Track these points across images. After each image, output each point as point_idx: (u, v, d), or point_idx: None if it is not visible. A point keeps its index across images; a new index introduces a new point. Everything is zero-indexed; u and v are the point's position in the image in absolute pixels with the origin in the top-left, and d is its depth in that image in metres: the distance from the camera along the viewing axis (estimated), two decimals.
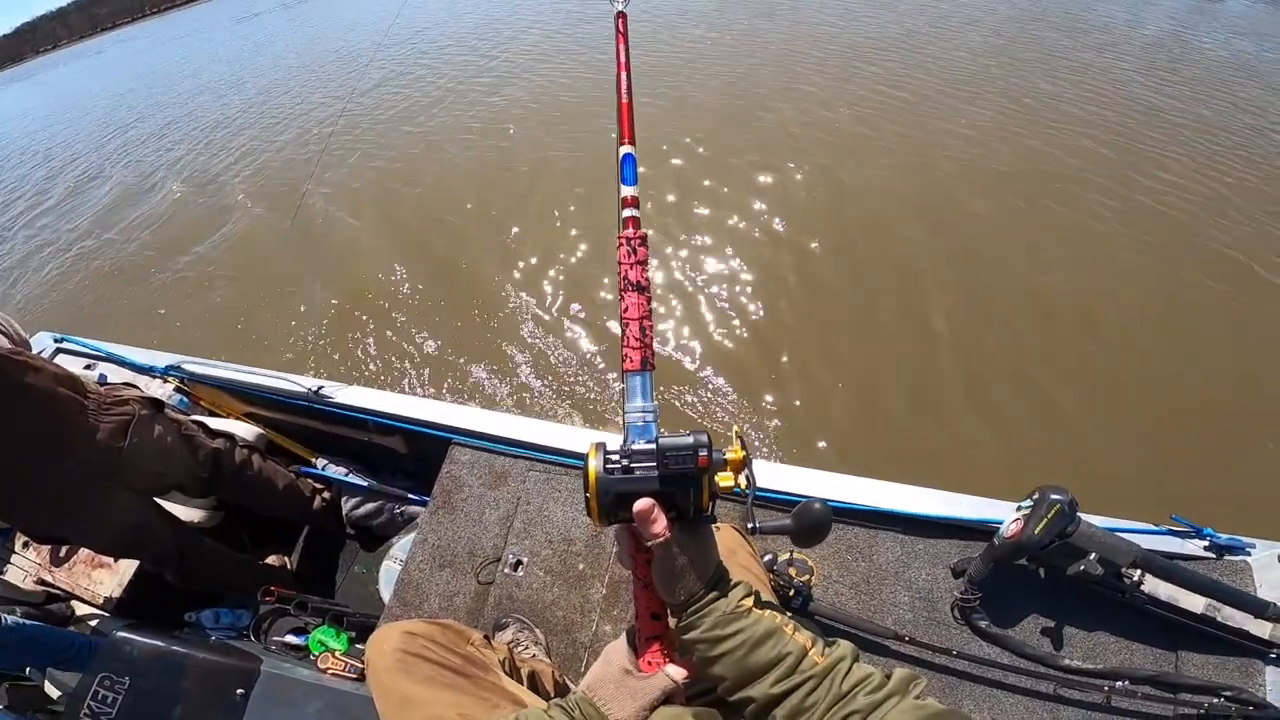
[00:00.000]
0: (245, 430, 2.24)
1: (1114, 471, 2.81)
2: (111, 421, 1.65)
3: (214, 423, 2.15)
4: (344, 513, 2.29)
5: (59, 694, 1.79)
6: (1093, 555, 1.32)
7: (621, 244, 0.81)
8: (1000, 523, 1.44)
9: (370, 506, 2.27)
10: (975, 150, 5.04)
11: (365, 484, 2.26)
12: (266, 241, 5.75)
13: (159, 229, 6.68)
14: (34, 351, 2.30)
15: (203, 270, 5.54)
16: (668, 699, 0.79)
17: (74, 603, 2.21)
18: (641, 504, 0.69)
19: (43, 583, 2.25)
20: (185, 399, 2.31)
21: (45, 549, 2.28)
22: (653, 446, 0.69)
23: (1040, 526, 1.32)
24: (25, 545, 2.33)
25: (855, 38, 7.51)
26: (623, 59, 0.99)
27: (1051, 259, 3.97)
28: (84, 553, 2.27)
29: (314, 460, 2.33)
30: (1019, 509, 1.40)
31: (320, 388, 2.13)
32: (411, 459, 2.25)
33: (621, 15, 1.10)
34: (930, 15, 8.30)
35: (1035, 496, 1.37)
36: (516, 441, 1.95)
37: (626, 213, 0.83)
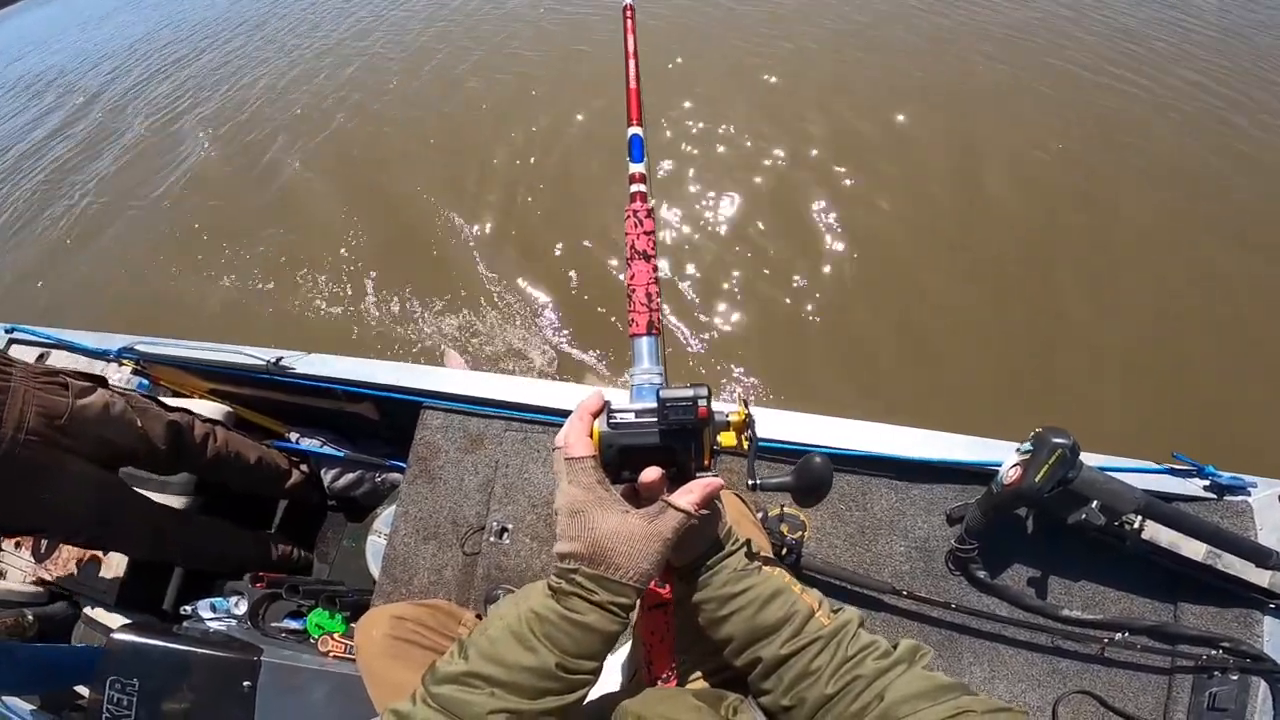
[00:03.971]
0: (210, 409, 2.16)
1: (1112, 405, 2.76)
2: (45, 392, 1.60)
3: (179, 403, 2.07)
4: (326, 484, 2.24)
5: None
6: (1094, 503, 1.26)
7: (629, 216, 0.85)
8: (998, 465, 1.38)
9: (350, 477, 2.22)
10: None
11: (341, 454, 2.21)
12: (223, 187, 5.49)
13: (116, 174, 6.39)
14: None
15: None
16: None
17: (78, 599, 2.21)
18: (649, 474, 0.67)
19: (41, 581, 2.23)
20: (145, 381, 2.22)
21: (25, 548, 2.25)
22: (654, 405, 0.68)
23: (1041, 474, 1.25)
24: (17, 545, 2.30)
25: None
26: (630, 48, 1.05)
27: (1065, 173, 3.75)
28: (67, 550, 2.23)
29: (287, 434, 2.26)
30: (1018, 451, 1.33)
31: (280, 358, 2.02)
32: (385, 425, 2.17)
33: (630, 7, 1.15)
34: None
35: (1035, 439, 1.29)
36: (490, 401, 1.86)
37: (634, 188, 0.87)
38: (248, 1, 10.71)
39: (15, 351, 2.30)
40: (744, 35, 5.43)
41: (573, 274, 3.65)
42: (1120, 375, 2.86)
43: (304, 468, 2.25)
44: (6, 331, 2.38)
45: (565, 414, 1.59)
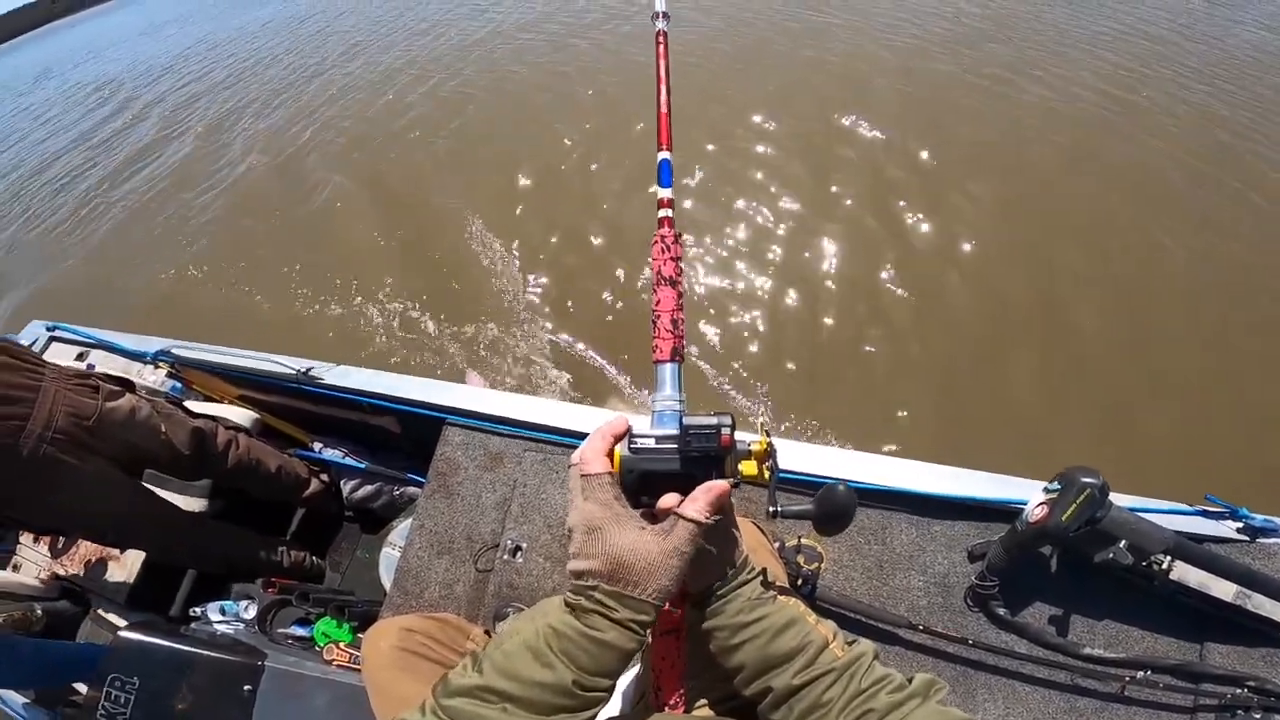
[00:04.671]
0: (238, 414, 2.20)
1: (1145, 446, 2.69)
2: (75, 394, 1.64)
3: (207, 407, 2.13)
4: (344, 495, 2.26)
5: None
6: (1122, 543, 1.23)
7: (656, 241, 0.84)
8: (1023, 504, 1.35)
9: (369, 489, 2.24)
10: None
11: (362, 465, 2.23)
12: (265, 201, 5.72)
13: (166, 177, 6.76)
14: (26, 343, 2.29)
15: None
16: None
17: (89, 596, 2.22)
18: (667, 499, 0.67)
19: (55, 577, 2.25)
20: (179, 385, 2.27)
21: (44, 543, 2.29)
22: (676, 431, 0.69)
23: (1068, 513, 1.22)
24: (35, 540, 2.33)
25: None
26: (662, 73, 1.03)
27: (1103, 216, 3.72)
28: (91, 546, 2.26)
29: (310, 443, 2.29)
30: (1045, 490, 1.30)
31: (310, 369, 2.07)
32: (407, 439, 2.19)
33: (662, 33, 1.11)
34: None
35: (1063, 478, 1.26)
36: (512, 420, 1.87)
37: (661, 213, 0.87)
38: (311, 22, 11.26)
39: (55, 349, 2.37)
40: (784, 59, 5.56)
41: (602, 297, 3.70)
42: (1153, 416, 2.80)
43: (324, 477, 2.28)
44: (49, 330, 2.46)
45: (585, 437, 1.59)
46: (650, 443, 0.69)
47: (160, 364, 2.27)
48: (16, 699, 1.91)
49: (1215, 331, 3.11)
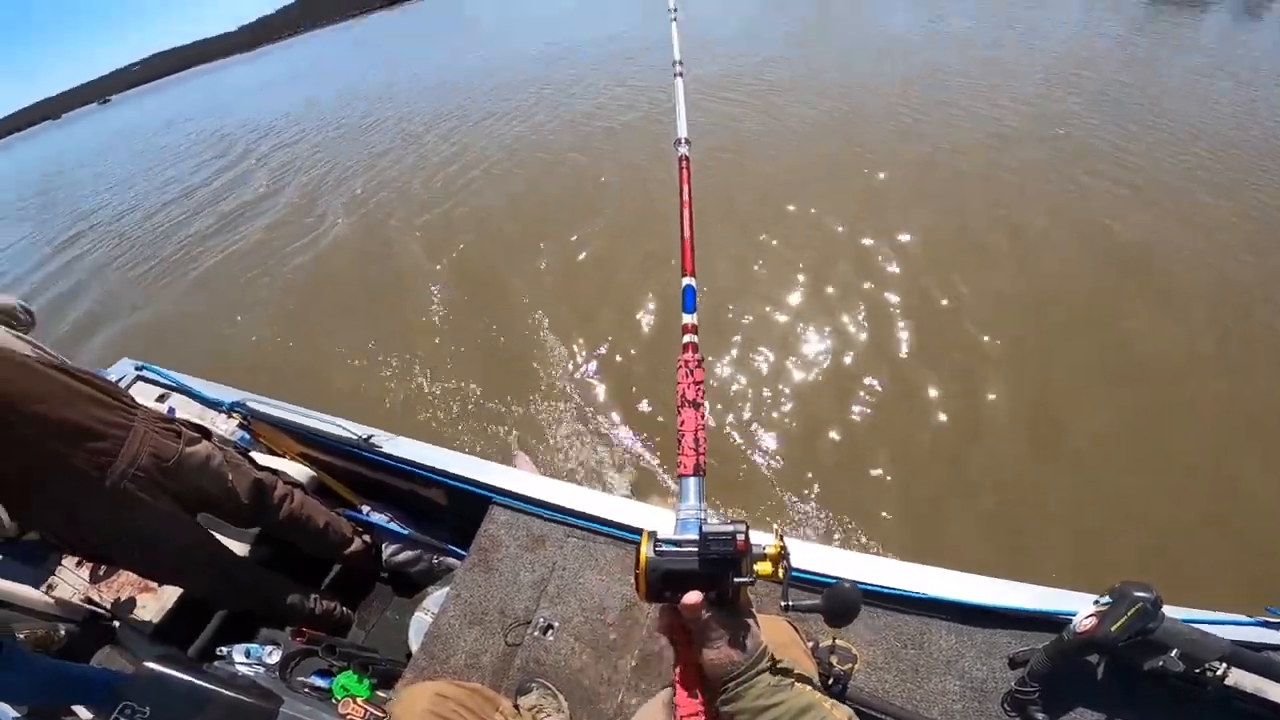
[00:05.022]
0: (297, 470, 2.31)
1: (1200, 557, 2.55)
2: (160, 436, 1.76)
3: (270, 460, 2.25)
4: (384, 557, 2.30)
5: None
6: (1174, 651, 1.18)
7: (680, 366, 0.90)
8: (1070, 615, 1.31)
9: (409, 554, 2.28)
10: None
11: (406, 532, 2.28)
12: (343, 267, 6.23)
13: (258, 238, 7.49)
14: (114, 379, 2.47)
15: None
16: None
17: (116, 623, 2.25)
18: (690, 597, 0.73)
19: (90, 601, 2.31)
20: (247, 435, 2.41)
21: (86, 568, 2.38)
22: (697, 536, 0.75)
23: (1118, 624, 1.19)
24: (79, 564, 2.42)
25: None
26: (685, 197, 1.08)
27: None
28: (129, 576, 2.34)
29: (359, 505, 2.37)
30: (1095, 604, 1.26)
31: (370, 436, 2.19)
32: (452, 512, 2.27)
33: (684, 158, 1.18)
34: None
35: (1115, 592, 1.23)
36: (557, 506, 1.95)
37: (685, 338, 0.92)
38: (431, 95, 12.65)
39: (140, 388, 2.56)
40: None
41: (647, 405, 3.78)
42: (1207, 528, 2.66)
43: (367, 538, 2.34)
44: (137, 369, 2.66)
45: (627, 529, 1.65)
46: (673, 546, 0.76)
47: (233, 414, 2.42)
48: (8, 713, 1.93)
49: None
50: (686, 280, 0.97)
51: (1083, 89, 7.32)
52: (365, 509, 2.35)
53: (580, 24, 19.49)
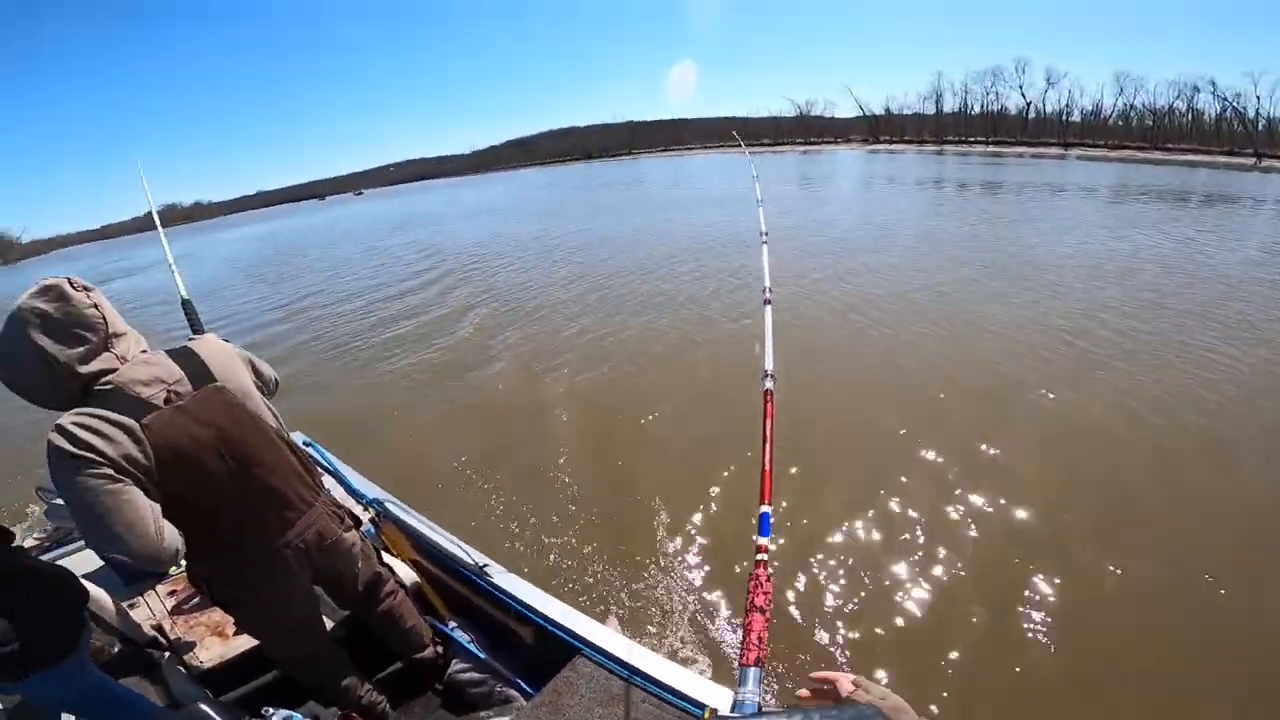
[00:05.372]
0: (405, 572, 2.58)
1: None
2: (328, 519, 1.98)
3: (386, 558, 2.50)
4: (449, 672, 2.41)
5: None
6: None
7: (752, 578, 1.03)
8: None
9: (475, 676, 2.38)
10: None
11: (481, 656, 2.41)
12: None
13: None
14: None
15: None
16: None
17: (165, 655, 2.41)
18: None
19: (158, 629, 2.49)
20: (373, 530, 2.72)
21: (176, 599, 2.58)
22: (754, 714, 0.88)
23: None
24: (170, 594, 2.62)
25: None
26: (768, 432, 1.18)
27: None
28: (207, 617, 2.51)
29: (448, 619, 2.56)
30: None
31: (486, 565, 2.44)
32: (535, 650, 2.35)
33: (769, 393, 1.28)
34: None
35: None
36: (636, 669, 1.99)
37: (758, 556, 1.05)
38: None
39: None
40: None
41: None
42: None
43: (440, 649, 2.46)
44: (304, 443, 2.95)
45: (694, 701, 1.71)
46: None
47: (370, 509, 2.76)
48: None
49: None
50: (763, 508, 1.09)
51: None
52: (451, 624, 2.54)
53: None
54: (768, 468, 1.13)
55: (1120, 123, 64.16)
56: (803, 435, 5.49)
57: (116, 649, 2.36)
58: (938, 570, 4.01)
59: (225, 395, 1.72)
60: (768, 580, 1.03)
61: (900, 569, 4.04)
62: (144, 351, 1.69)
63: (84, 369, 1.53)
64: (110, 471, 1.44)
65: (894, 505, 4.60)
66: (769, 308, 1.71)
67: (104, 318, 1.59)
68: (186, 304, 2.46)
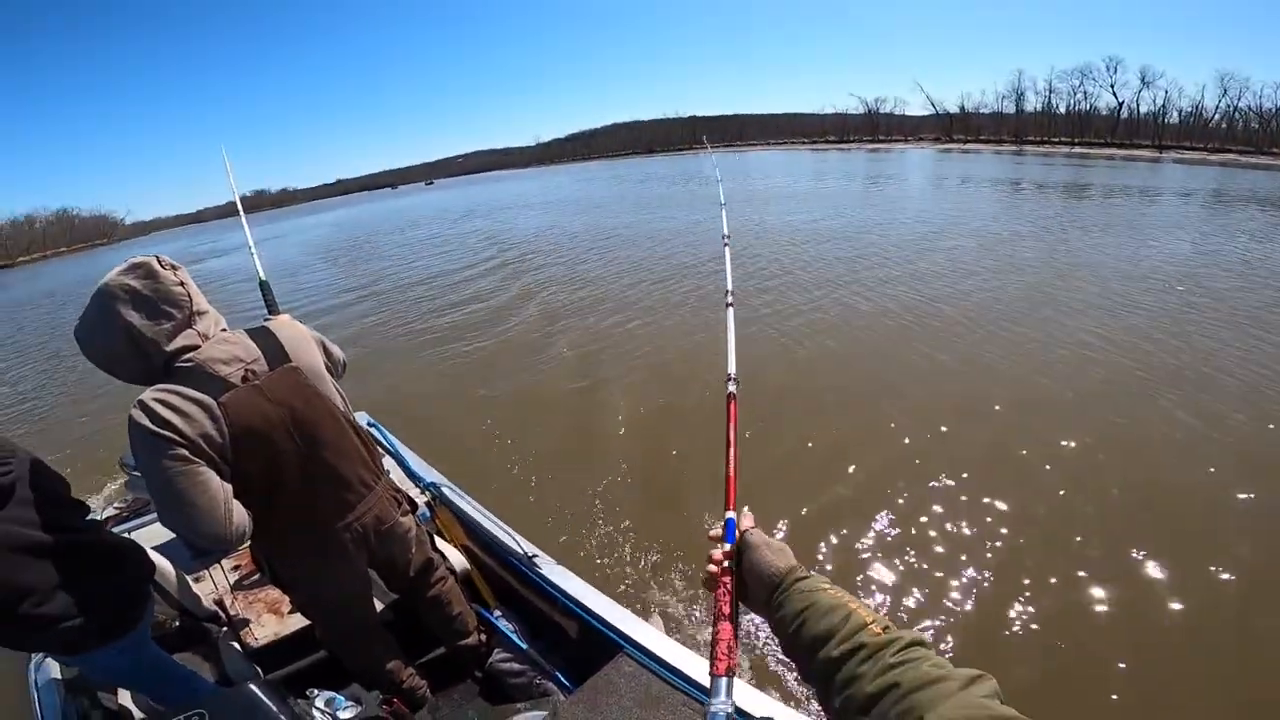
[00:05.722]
0: (456, 558, 2.62)
1: None
2: (387, 504, 2.00)
3: (438, 542, 2.52)
4: (490, 660, 2.44)
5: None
6: None
7: (720, 586, 1.00)
8: None
9: (516, 666, 2.40)
10: None
11: (524, 646, 2.43)
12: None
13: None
14: None
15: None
16: None
17: (222, 630, 2.47)
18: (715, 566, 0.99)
19: (219, 604, 2.56)
20: (428, 513, 2.78)
21: (239, 574, 2.66)
22: None
23: None
24: (235, 569, 2.69)
25: None
26: (731, 436, 1.16)
27: None
28: (266, 594, 2.57)
29: (494, 607, 2.59)
30: None
31: (535, 555, 2.45)
32: (578, 644, 2.35)
33: (732, 396, 1.24)
34: None
35: None
36: (682, 674, 1.94)
37: (726, 563, 1.01)
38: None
39: None
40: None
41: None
42: None
43: (484, 637, 2.48)
44: (368, 424, 3.00)
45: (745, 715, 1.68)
46: None
47: (428, 492, 2.82)
48: (54, 671, 2.11)
49: None
50: (729, 514, 1.05)
51: None
52: (497, 612, 2.57)
53: None
54: (732, 474, 1.10)
55: (1224, 125, 60.48)
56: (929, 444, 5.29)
57: (178, 623, 2.45)
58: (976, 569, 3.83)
59: (299, 376, 1.76)
60: (731, 588, 1.00)
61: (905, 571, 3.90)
62: (224, 330, 1.72)
63: (168, 345, 1.58)
64: (186, 453, 1.48)
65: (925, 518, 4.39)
66: (731, 310, 1.66)
67: (189, 295, 1.63)
68: (264, 285, 2.55)
